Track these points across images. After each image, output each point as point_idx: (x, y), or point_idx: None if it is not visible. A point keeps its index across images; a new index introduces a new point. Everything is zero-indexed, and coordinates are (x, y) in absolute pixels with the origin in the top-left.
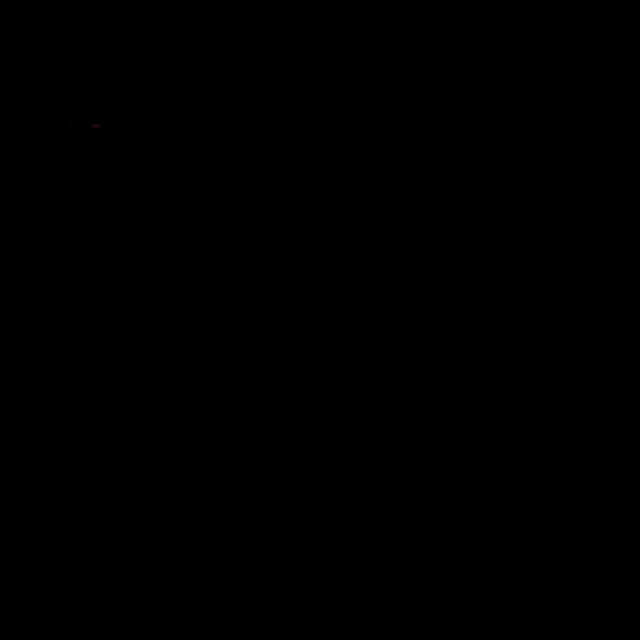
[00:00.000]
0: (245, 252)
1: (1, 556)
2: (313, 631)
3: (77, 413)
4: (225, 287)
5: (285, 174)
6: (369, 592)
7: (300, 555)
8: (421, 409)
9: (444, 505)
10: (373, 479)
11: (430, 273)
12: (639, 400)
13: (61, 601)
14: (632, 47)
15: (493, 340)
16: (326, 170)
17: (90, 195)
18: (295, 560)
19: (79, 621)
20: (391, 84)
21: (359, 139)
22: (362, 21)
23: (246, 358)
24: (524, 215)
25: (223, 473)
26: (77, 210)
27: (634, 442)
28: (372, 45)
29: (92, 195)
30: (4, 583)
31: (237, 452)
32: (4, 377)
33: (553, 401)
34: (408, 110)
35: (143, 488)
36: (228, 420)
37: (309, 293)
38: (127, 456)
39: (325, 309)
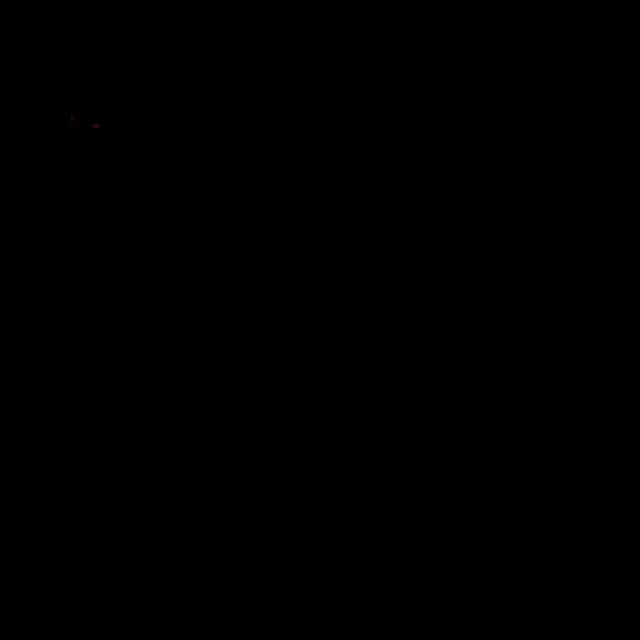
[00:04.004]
0: (245, 253)
1: (1, 558)
2: (313, 631)
3: (77, 415)
4: (224, 287)
5: (285, 174)
6: (368, 593)
7: (299, 555)
8: (420, 409)
9: (443, 506)
10: (372, 480)
11: (429, 274)
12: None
13: (61, 602)
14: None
15: (493, 340)
16: (325, 170)
17: (90, 194)
18: (295, 561)
19: (79, 622)
20: (390, 84)
21: (358, 138)
22: (362, 22)
23: (245, 358)
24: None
25: (222, 473)
26: (77, 210)
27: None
28: (372, 45)
29: (92, 194)
30: (4, 584)
31: (236, 451)
32: (4, 377)
33: (552, 402)
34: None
35: (143, 489)
36: (227, 420)
37: (308, 293)
38: (127, 457)
39: (324, 310)
